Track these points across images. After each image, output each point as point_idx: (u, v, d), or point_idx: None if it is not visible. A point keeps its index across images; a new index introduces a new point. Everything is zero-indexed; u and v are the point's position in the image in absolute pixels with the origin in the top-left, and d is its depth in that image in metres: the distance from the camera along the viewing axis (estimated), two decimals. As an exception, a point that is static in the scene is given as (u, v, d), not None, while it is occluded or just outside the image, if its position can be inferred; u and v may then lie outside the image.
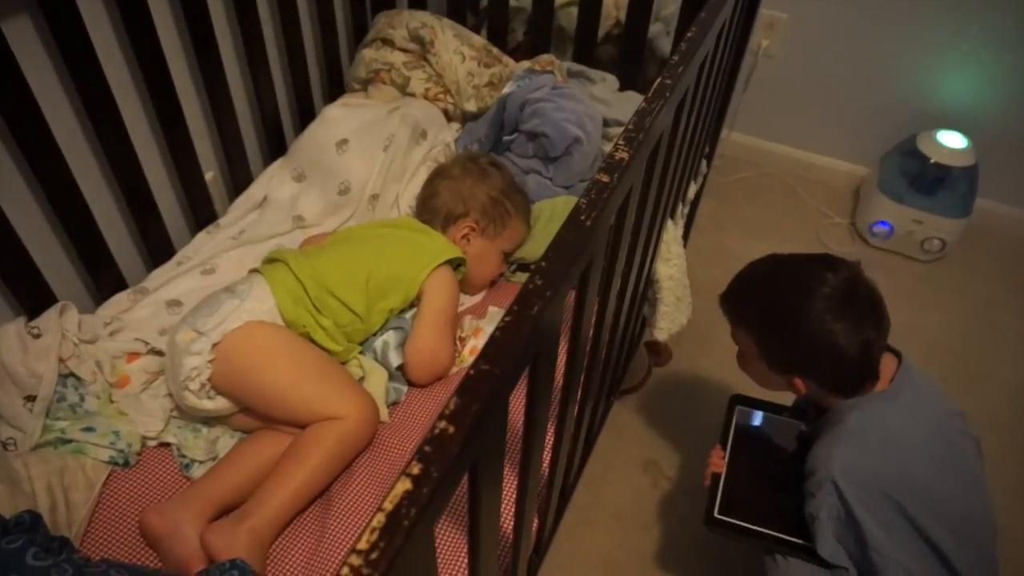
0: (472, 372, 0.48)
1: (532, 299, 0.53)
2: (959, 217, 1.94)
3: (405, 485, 0.42)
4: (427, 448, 0.44)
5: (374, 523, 0.40)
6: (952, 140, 1.93)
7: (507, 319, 0.51)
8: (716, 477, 1.16)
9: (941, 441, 1.03)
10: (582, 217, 0.59)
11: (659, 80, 0.78)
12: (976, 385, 1.72)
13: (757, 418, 1.26)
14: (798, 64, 2.09)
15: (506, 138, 1.44)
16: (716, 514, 1.12)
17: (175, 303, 1.21)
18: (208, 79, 1.28)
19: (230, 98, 1.34)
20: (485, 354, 0.49)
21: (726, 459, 1.18)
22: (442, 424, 0.45)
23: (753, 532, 1.10)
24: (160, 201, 1.26)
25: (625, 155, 0.67)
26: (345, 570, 0.38)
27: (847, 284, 0.98)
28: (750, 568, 1.31)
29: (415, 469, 0.43)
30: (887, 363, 1.04)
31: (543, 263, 0.56)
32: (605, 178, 0.64)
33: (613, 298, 0.89)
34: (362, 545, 0.39)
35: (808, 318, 0.97)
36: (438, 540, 0.96)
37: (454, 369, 1.17)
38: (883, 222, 2.00)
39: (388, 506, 0.41)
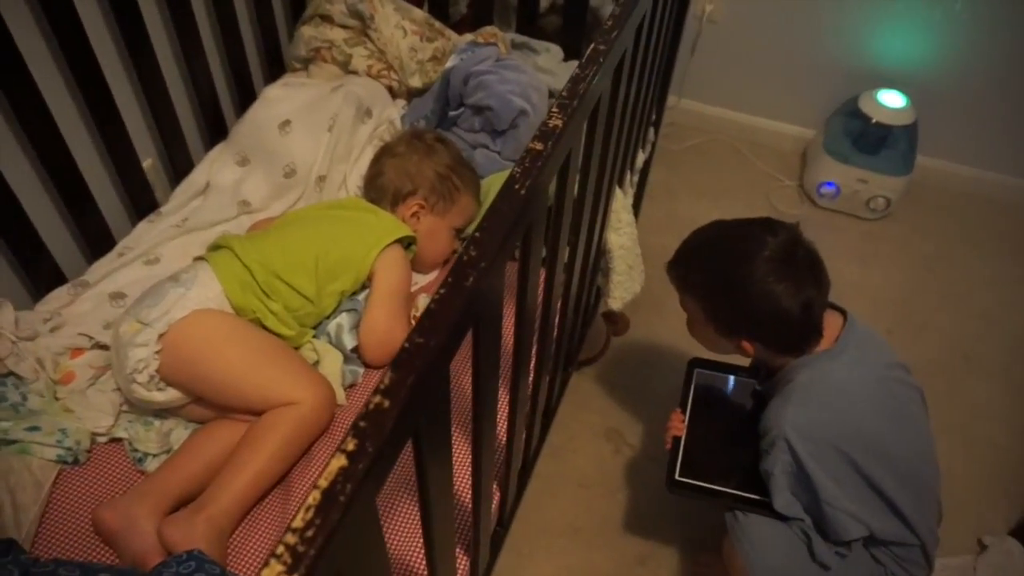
0: (407, 345, 0.48)
1: (466, 270, 0.52)
2: (901, 175, 1.99)
3: (340, 461, 0.42)
4: (362, 423, 0.43)
5: (309, 501, 0.40)
6: (892, 99, 1.98)
7: (441, 291, 0.51)
8: (676, 440, 1.18)
9: (886, 393, 1.07)
10: (516, 186, 0.59)
11: (593, 46, 0.78)
12: (919, 335, 1.78)
13: (715, 380, 1.28)
14: (742, 28, 2.10)
15: (452, 113, 1.42)
16: (677, 476, 1.14)
17: (118, 295, 1.18)
18: (138, 61, 1.24)
19: (163, 81, 1.30)
20: (420, 326, 0.49)
21: (686, 422, 1.21)
22: (377, 399, 0.45)
23: (714, 492, 1.13)
24: (96, 191, 1.22)
25: (559, 122, 0.67)
26: (280, 548, 0.38)
27: (787, 246, 1.00)
28: (713, 529, 1.35)
29: (350, 445, 0.42)
30: (832, 321, 1.07)
31: (477, 234, 0.55)
32: (539, 146, 0.64)
33: (561, 268, 0.89)
34: (297, 523, 0.39)
35: (750, 281, 0.99)
36: (397, 516, 0.96)
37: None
38: (829, 183, 2.04)
39: (323, 483, 0.41)
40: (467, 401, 0.88)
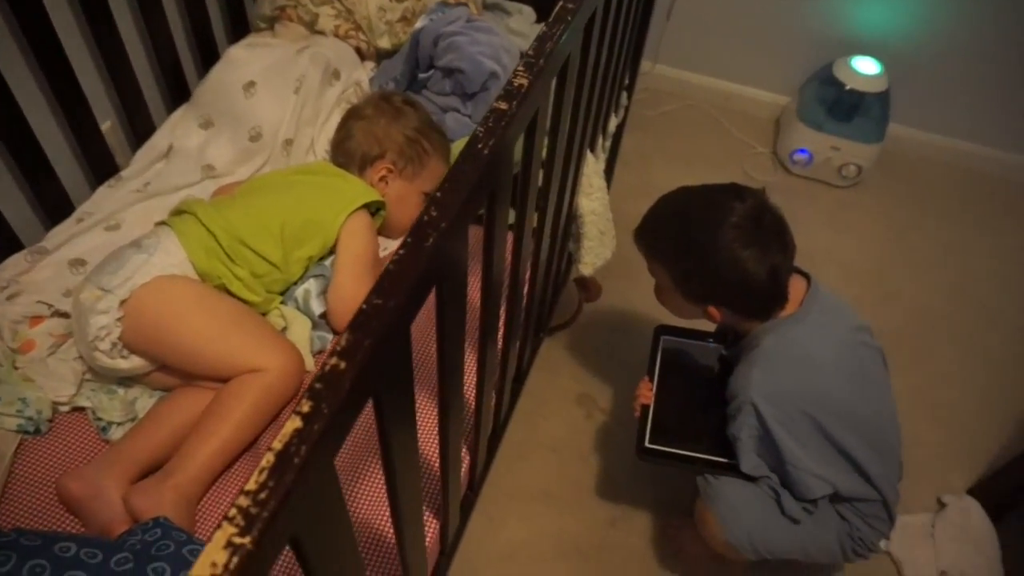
0: (364, 307, 0.47)
1: (426, 230, 0.51)
2: (873, 142, 2.00)
3: (295, 423, 0.41)
4: (317, 385, 0.43)
5: (263, 463, 0.39)
6: (866, 66, 1.97)
7: (401, 252, 0.50)
8: (645, 408, 1.19)
9: (849, 355, 1.09)
10: (479, 146, 0.58)
11: (561, 3, 0.76)
12: (888, 302, 1.80)
13: (681, 346, 1.29)
14: (719, -7, 2.08)
15: (422, 75, 1.39)
16: (647, 444, 1.16)
17: (78, 262, 1.15)
18: (94, 18, 1.19)
19: (120, 40, 1.25)
20: (379, 287, 0.48)
21: (654, 389, 1.22)
22: (333, 360, 0.44)
23: (683, 457, 1.15)
24: (53, 156, 1.18)
25: (525, 81, 0.65)
26: (232, 511, 0.37)
27: (754, 212, 1.00)
28: (683, 491, 1.37)
29: (305, 407, 0.42)
30: (797, 285, 1.08)
31: (438, 194, 0.54)
32: (503, 105, 0.62)
33: (529, 233, 0.88)
34: (250, 486, 0.38)
35: (717, 247, 0.99)
36: (365, 480, 0.96)
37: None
38: (803, 150, 2.05)
39: (277, 445, 0.40)
40: (435, 365, 0.88)
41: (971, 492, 1.42)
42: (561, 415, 1.52)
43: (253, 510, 0.37)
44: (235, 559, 0.36)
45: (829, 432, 1.04)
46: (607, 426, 1.51)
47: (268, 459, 0.39)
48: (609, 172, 1.63)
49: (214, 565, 0.36)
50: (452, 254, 0.56)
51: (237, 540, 0.36)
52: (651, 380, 1.23)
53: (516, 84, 0.65)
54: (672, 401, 1.21)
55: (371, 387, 0.48)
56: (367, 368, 0.45)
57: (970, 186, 2.13)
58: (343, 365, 0.44)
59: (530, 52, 0.69)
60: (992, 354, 1.71)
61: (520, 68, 0.67)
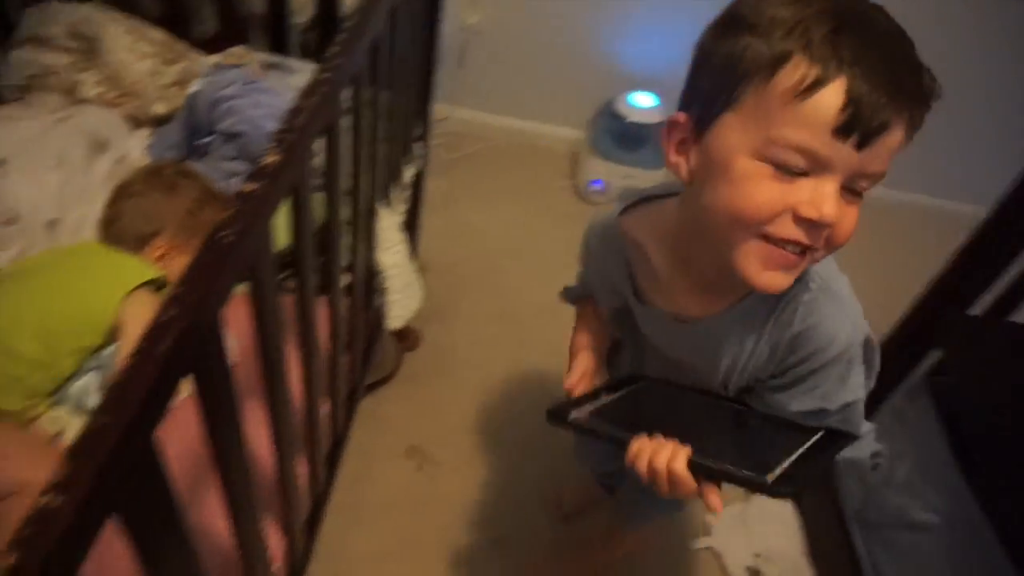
0: (85, 430, 0.43)
1: (160, 332, 0.48)
2: (659, 168, 2.18)
3: (-3, 580, 0.36)
4: (26, 531, 0.38)
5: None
6: (643, 100, 2.16)
7: (131, 362, 0.47)
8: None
9: None
10: (221, 234, 0.56)
11: (317, 73, 0.76)
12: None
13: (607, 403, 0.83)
14: (507, 37, 2.18)
15: (202, 141, 1.33)
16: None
17: None
18: None
19: None
20: (102, 406, 0.44)
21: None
22: (46, 498, 0.40)
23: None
24: None
25: (276, 158, 0.64)
26: None
27: None
28: (525, 537, 1.39)
29: (11, 559, 0.37)
30: None
31: (175, 292, 0.51)
32: (251, 187, 0.60)
33: (310, 301, 0.86)
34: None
35: None
36: None
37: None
38: (597, 180, 2.19)
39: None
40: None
41: (772, 479, 1.57)
42: (391, 472, 1.49)
43: None
44: None
45: None
46: (438, 475, 1.50)
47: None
48: (413, 219, 1.63)
49: None
50: (202, 347, 0.53)
51: None
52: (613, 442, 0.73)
53: (268, 162, 0.64)
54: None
55: (102, 516, 0.44)
56: (95, 498, 0.41)
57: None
58: (59, 501, 0.40)
59: (285, 127, 0.68)
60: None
61: (273, 144, 0.65)
